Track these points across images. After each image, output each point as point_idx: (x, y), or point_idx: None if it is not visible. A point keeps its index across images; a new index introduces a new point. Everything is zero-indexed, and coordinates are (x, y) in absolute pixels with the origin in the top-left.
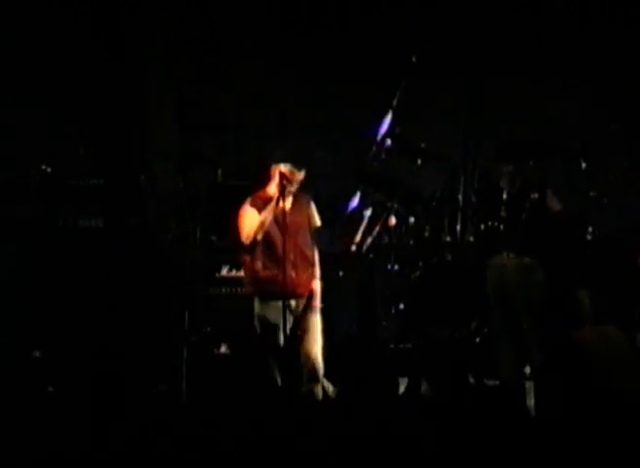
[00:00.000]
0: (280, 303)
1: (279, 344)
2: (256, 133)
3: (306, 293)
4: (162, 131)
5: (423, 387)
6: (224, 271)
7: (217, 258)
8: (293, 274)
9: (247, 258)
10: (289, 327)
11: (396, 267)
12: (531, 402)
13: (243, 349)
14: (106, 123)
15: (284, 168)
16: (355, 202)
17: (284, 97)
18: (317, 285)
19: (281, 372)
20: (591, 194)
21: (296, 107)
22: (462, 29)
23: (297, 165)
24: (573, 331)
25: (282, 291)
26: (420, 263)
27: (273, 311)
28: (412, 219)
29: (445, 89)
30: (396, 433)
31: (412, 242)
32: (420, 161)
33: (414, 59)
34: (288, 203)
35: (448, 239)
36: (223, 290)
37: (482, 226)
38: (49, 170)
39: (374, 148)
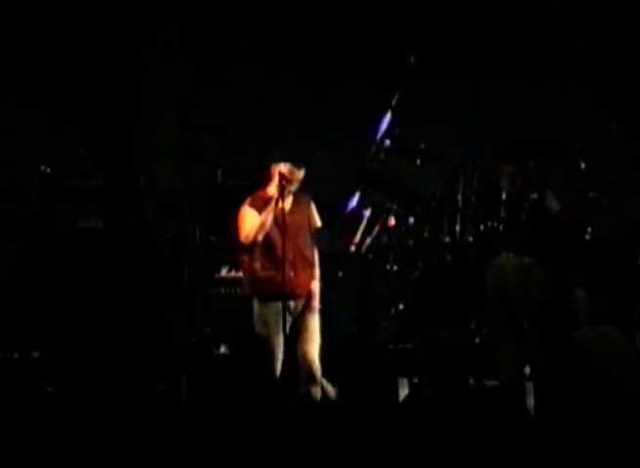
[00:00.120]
0: (279, 304)
1: (278, 345)
2: (256, 133)
3: (305, 294)
4: (162, 131)
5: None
6: (224, 272)
7: (216, 259)
8: (292, 275)
9: (246, 259)
10: (288, 327)
11: (395, 268)
12: (531, 402)
13: (242, 349)
14: (106, 123)
15: (284, 167)
16: (355, 202)
17: (284, 97)
18: (316, 285)
19: (280, 373)
20: (591, 194)
21: (296, 107)
22: (462, 29)
23: (296, 164)
24: (573, 331)
25: (281, 291)
26: (420, 264)
27: (272, 312)
28: (411, 220)
29: (445, 89)
30: (396, 433)
31: (411, 242)
32: (419, 161)
33: (413, 60)
34: (288, 203)
35: (447, 239)
36: (223, 290)
37: (482, 227)
38: (49, 170)
39: (373, 148)
